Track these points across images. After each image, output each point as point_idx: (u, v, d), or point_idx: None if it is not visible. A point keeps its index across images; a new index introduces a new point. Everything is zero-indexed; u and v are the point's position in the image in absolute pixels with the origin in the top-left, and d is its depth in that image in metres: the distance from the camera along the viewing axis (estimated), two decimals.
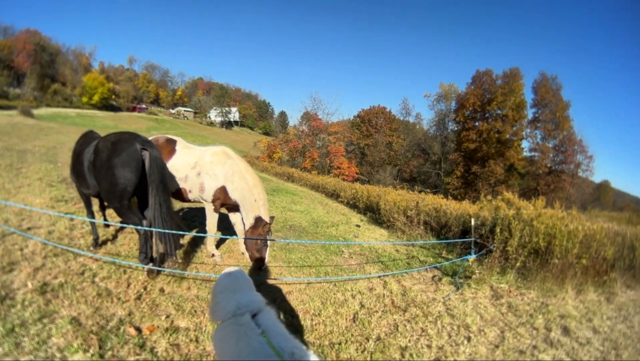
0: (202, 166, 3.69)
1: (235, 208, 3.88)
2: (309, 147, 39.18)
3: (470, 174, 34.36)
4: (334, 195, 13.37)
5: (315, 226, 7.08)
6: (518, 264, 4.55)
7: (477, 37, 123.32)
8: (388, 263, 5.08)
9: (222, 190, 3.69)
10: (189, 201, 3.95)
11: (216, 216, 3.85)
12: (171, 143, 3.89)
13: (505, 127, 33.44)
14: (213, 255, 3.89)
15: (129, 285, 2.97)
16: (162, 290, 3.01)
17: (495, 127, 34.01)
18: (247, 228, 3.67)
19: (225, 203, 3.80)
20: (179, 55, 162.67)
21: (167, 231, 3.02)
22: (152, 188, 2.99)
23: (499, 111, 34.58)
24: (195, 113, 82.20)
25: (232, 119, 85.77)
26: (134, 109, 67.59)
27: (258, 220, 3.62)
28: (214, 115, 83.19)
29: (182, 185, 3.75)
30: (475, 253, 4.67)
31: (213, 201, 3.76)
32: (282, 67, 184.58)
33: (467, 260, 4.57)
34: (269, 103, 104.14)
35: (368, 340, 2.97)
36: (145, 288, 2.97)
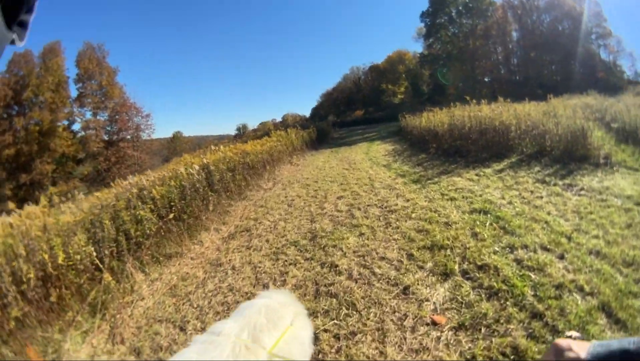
0: None
1: None
2: None
3: (22, 188, 24.73)
4: None
5: None
6: None
7: None
8: None
9: None
10: None
11: None
12: None
13: (44, 114, 27.31)
14: None
15: None
16: None
17: (33, 118, 26.89)
18: None
19: None
20: None
21: None
22: None
23: (39, 98, 27.49)
24: None
25: None
26: None
27: None
28: None
29: None
30: None
31: None
32: None
33: None
34: None
35: None
36: None
